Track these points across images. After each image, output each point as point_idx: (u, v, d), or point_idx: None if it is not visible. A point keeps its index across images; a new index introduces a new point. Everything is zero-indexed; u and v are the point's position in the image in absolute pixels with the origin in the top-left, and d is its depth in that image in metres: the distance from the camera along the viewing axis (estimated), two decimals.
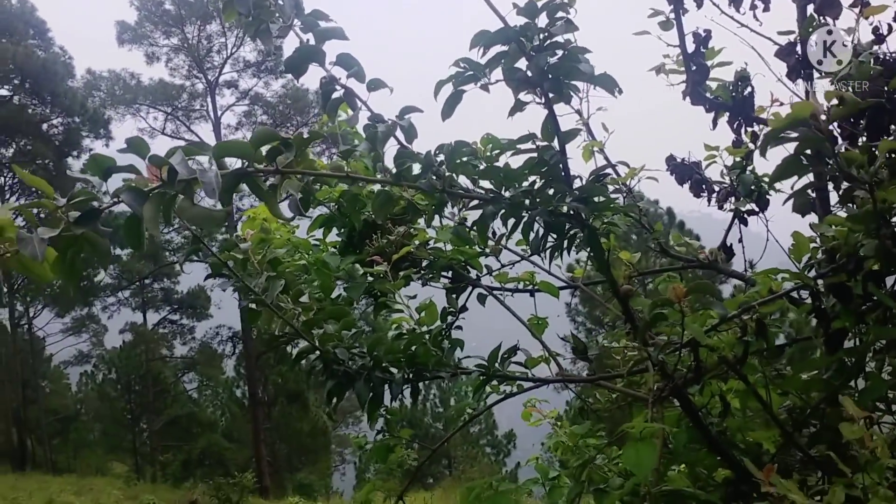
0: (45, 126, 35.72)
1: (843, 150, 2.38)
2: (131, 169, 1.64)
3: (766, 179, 3.36)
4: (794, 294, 2.48)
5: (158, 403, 39.50)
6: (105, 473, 34.14)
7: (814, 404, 2.69)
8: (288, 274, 2.48)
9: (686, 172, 3.48)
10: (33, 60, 33.79)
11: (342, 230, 3.00)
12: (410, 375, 2.34)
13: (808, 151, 1.65)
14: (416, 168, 2.07)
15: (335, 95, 2.20)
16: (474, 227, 2.23)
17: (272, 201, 1.73)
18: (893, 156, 1.90)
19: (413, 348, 2.30)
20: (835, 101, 1.66)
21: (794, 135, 1.63)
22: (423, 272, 2.97)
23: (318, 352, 2.24)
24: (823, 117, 1.63)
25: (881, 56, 2.36)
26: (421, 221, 3.01)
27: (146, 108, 38.97)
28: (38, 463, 35.72)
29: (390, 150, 2.10)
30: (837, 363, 2.59)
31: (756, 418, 2.95)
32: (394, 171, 1.99)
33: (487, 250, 2.99)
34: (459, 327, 2.93)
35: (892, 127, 2.45)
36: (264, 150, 1.74)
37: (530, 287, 3.09)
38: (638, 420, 2.07)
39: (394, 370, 2.30)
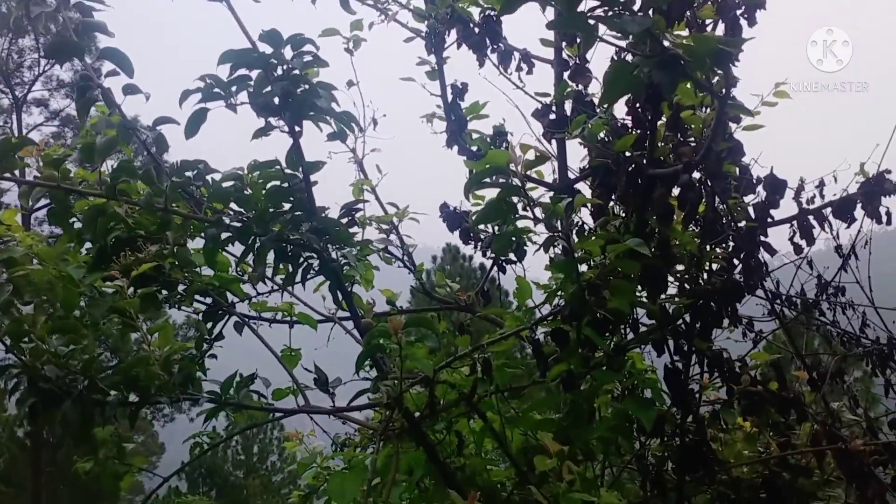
0: None
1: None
2: None
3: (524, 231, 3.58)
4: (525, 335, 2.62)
5: None
6: None
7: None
8: (19, 279, 2.28)
9: (456, 220, 3.63)
10: None
11: (95, 245, 2.85)
12: (135, 398, 2.23)
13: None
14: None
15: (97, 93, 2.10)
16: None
17: None
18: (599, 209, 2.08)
19: (134, 371, 2.20)
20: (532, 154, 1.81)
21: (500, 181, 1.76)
22: (177, 295, 2.87)
23: (23, 367, 2.09)
24: (520, 167, 1.77)
25: (610, 121, 2.60)
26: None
27: None
28: None
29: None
30: (570, 405, 2.75)
31: (499, 456, 3.07)
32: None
33: (246, 276, 2.94)
34: (214, 356, 2.87)
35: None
36: None
37: (289, 318, 3.07)
38: (350, 452, 2.09)
39: (113, 392, 2.19)
